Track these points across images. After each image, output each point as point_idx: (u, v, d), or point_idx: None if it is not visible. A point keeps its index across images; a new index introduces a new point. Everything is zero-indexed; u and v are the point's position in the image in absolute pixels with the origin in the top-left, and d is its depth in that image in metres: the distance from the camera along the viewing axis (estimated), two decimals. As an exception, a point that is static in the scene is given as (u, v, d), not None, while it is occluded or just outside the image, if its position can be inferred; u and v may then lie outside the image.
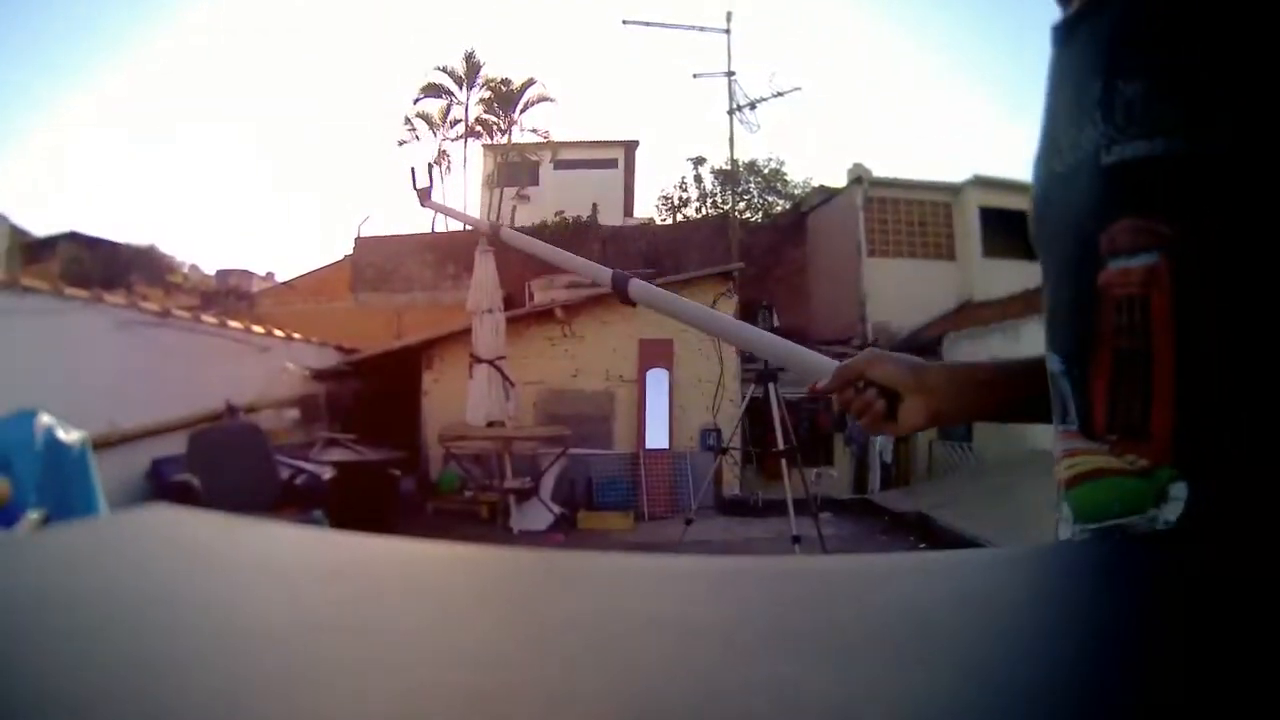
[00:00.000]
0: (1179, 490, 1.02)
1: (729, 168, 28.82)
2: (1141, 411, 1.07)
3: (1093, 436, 1.14)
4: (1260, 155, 0.97)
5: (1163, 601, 0.81)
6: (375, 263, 27.04)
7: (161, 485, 9.09)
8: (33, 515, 4.55)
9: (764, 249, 28.06)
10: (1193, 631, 0.68)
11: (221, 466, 8.56)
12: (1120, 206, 1.08)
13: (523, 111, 39.33)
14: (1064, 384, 1.20)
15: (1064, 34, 1.26)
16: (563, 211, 29.35)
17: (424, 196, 4.54)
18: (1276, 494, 0.96)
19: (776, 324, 11.55)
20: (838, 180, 28.38)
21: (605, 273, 2.94)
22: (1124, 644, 0.67)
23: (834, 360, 1.78)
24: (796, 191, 34.34)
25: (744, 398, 12.78)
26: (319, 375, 15.84)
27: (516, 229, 28.35)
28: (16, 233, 27.88)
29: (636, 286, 2.88)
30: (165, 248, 33.09)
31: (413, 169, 4.43)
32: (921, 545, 11.82)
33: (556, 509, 13.02)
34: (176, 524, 1.18)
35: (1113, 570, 0.96)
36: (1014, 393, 1.53)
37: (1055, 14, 1.24)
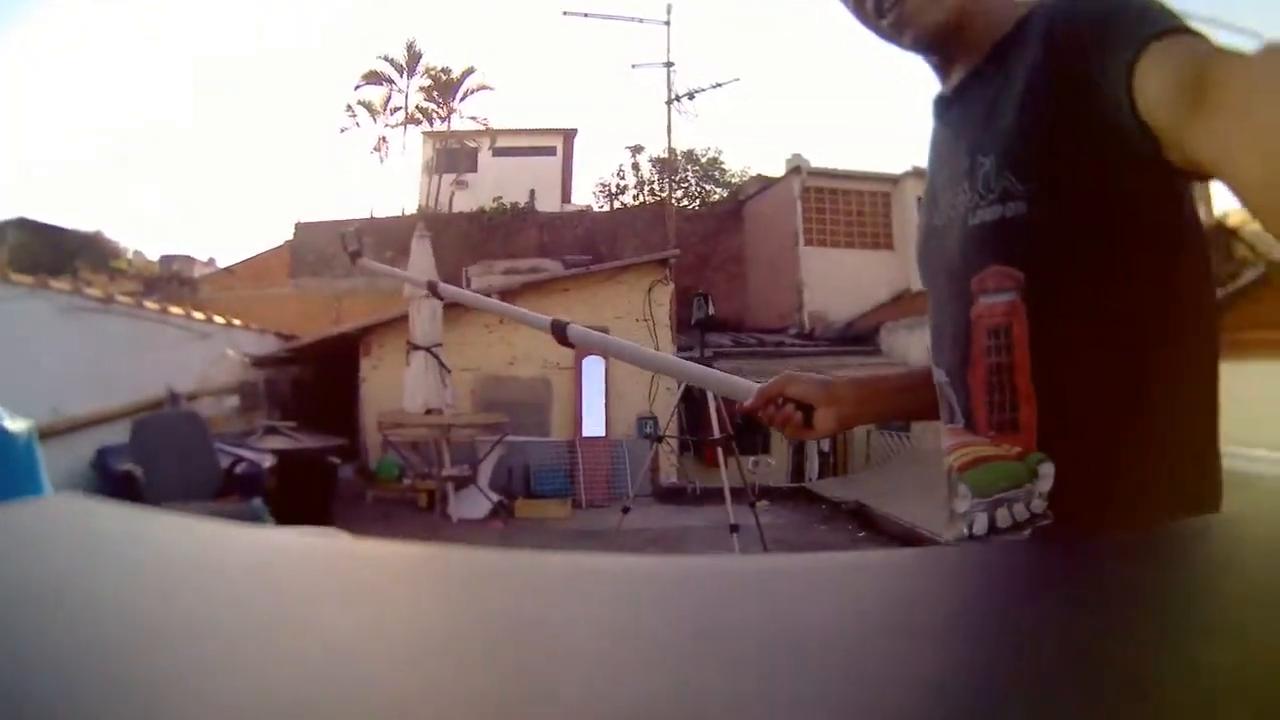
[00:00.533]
0: (1047, 469, 1.39)
1: (667, 156, 28.77)
2: (1012, 411, 1.43)
3: (976, 432, 1.50)
4: (1075, 217, 1.34)
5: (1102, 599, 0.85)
6: (314, 248, 26.79)
7: (107, 475, 9.01)
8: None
9: (701, 237, 28.09)
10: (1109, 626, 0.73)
11: (164, 455, 8.49)
12: (984, 257, 1.44)
13: (462, 99, 39.14)
14: (949, 392, 1.57)
15: (942, 108, 1.65)
16: (501, 197, 29.19)
17: (355, 258, 4.61)
18: (1119, 469, 1.38)
19: (712, 312, 11.59)
20: (776, 170, 28.45)
21: (544, 320, 3.11)
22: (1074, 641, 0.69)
23: (754, 383, 2.11)
24: (734, 180, 34.39)
25: (680, 385, 12.82)
26: (259, 362, 15.65)
27: (454, 215, 28.26)
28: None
29: (574, 331, 3.10)
30: (110, 234, 32.77)
31: (343, 234, 4.49)
32: (861, 534, 11.91)
33: (495, 497, 12.99)
34: (78, 516, 1.18)
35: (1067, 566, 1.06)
36: (908, 397, 1.98)
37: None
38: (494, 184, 31.54)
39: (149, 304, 13.48)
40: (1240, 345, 11.20)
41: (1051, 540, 1.40)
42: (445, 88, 39.13)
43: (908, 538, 10.40)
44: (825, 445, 17.34)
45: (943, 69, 1.64)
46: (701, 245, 27.50)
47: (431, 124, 38.99)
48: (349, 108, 40.31)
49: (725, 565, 1.54)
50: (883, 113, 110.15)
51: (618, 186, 36.10)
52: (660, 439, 12.34)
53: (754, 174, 32.39)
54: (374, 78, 39.81)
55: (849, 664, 0.64)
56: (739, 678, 0.61)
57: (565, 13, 25.44)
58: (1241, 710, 0.55)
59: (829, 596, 0.86)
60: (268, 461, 9.59)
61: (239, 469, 9.15)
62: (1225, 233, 15.54)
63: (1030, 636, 0.71)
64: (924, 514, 10.90)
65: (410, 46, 39.98)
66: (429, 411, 12.44)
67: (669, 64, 24.96)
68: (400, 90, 40.04)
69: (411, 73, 39.82)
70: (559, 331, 3.17)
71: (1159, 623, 0.77)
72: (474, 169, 35.20)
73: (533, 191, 30.68)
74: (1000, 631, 0.76)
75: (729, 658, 0.65)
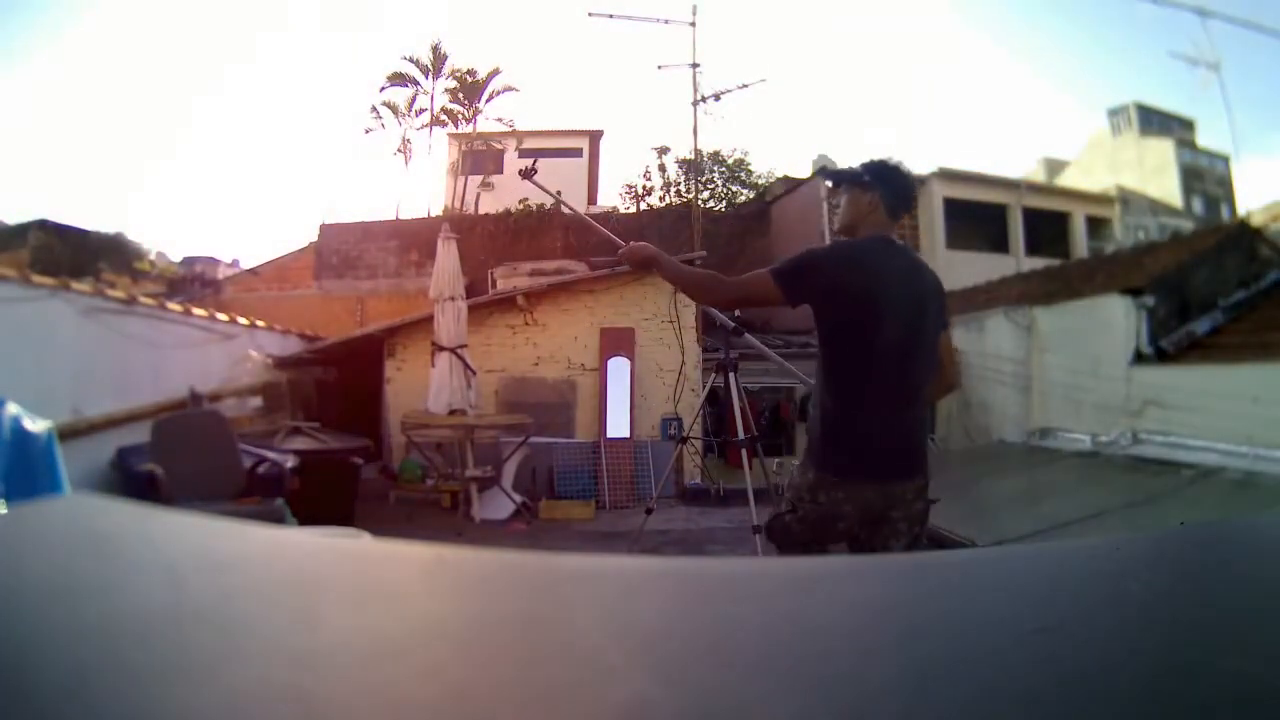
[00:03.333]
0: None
1: (693, 158, 28.79)
2: None
3: None
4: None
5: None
6: (339, 250, 26.87)
7: (127, 475, 9.04)
8: (-3, 507, 4.52)
9: (727, 238, 28.03)
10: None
11: (185, 455, 8.48)
12: None
13: (488, 101, 39.17)
14: None
15: None
16: (526, 199, 29.22)
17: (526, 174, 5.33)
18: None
19: (737, 313, 11.62)
20: (802, 171, 28.44)
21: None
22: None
23: None
24: (760, 181, 34.36)
25: (705, 387, 12.81)
26: (282, 363, 15.72)
27: (480, 216, 28.29)
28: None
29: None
30: (133, 235, 32.91)
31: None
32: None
33: (518, 498, 12.98)
34: (95, 514, 1.22)
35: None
36: None
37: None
38: (520, 185, 31.54)
39: (172, 305, 13.52)
40: (1264, 347, 11.12)
41: (1068, 543, 1.58)
42: (471, 89, 39.16)
43: (931, 539, 10.29)
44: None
45: None
46: (728, 246, 27.43)
47: (457, 126, 39.07)
48: (374, 109, 40.39)
49: (746, 567, 1.52)
50: (908, 114, 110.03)
51: (644, 188, 36.09)
52: (684, 440, 12.32)
53: (780, 175, 32.41)
54: (399, 79, 39.84)
55: (869, 664, 0.65)
56: (755, 677, 0.62)
57: (590, 14, 25.44)
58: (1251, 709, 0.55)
59: (848, 597, 0.86)
60: (290, 462, 9.58)
61: (261, 469, 9.15)
62: (1248, 234, 15.44)
63: (1047, 637, 0.71)
64: (947, 516, 10.83)
65: (435, 48, 40.03)
66: (453, 412, 12.47)
67: (695, 65, 24.96)
68: (425, 92, 40.09)
69: (437, 74, 39.85)
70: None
71: (1176, 621, 0.76)
72: (500, 170, 35.31)
73: (559, 193, 30.69)
74: (1015, 633, 0.76)
75: (743, 658, 0.67)
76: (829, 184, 4.96)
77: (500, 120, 38.10)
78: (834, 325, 4.02)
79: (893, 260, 4.15)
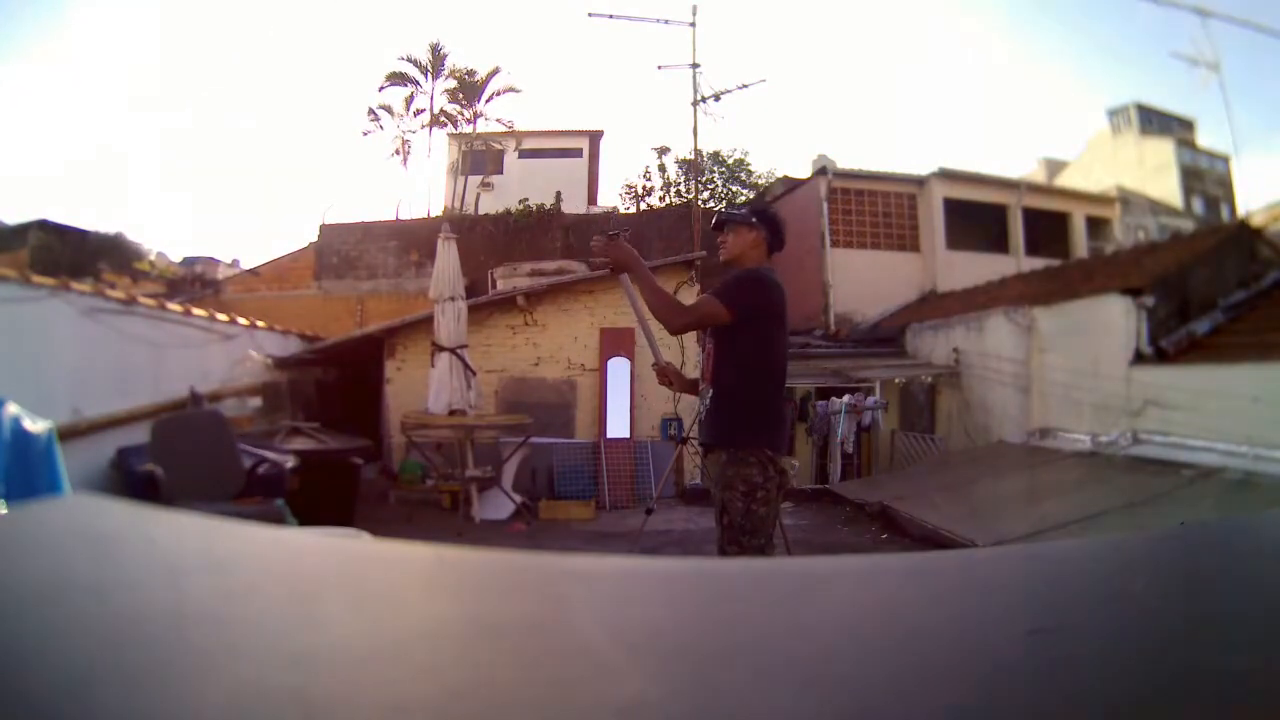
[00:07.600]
0: (708, 390, 4.96)
1: (693, 158, 28.81)
2: (710, 373, 5.04)
3: (705, 379, 5.13)
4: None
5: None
6: (339, 250, 26.84)
7: (127, 475, 9.02)
8: (-4, 507, 4.49)
9: (727, 238, 28.03)
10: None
11: (185, 455, 8.43)
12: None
13: (488, 101, 39.13)
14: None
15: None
16: (526, 199, 29.20)
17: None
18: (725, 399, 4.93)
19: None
20: (802, 171, 28.46)
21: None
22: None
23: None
24: (760, 181, 34.40)
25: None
26: (282, 363, 15.68)
27: (480, 216, 28.24)
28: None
29: None
30: (133, 235, 32.88)
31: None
32: (884, 536, 11.77)
33: (518, 498, 12.97)
34: (96, 515, 1.21)
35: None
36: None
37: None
38: (520, 186, 31.56)
39: (172, 305, 13.49)
40: (1264, 347, 11.11)
41: (1068, 543, 1.57)
42: (470, 89, 39.12)
43: (931, 540, 10.29)
44: (850, 446, 17.28)
45: None
46: (728, 247, 27.44)
47: (456, 126, 39.03)
48: (371, 112, 40.31)
49: (746, 567, 1.52)
50: (908, 114, 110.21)
51: (644, 188, 36.19)
52: (684, 440, 12.32)
53: (780, 175, 32.44)
54: (398, 79, 39.75)
55: (868, 664, 0.65)
56: (755, 677, 0.61)
57: (591, 14, 25.45)
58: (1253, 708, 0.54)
59: (848, 597, 0.86)
60: (290, 462, 9.57)
61: (261, 470, 9.12)
62: (1248, 233, 15.44)
63: (1047, 637, 0.71)
64: (948, 516, 10.82)
65: (435, 48, 39.96)
66: (453, 413, 12.44)
67: (695, 65, 24.98)
68: (424, 92, 40.02)
69: (436, 74, 39.79)
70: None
71: (1175, 621, 0.76)
72: (500, 170, 35.31)
73: (559, 193, 30.67)
74: (1015, 633, 0.75)
75: (743, 658, 0.66)
76: (715, 223, 5.31)
77: (500, 120, 38.11)
78: (763, 333, 4.89)
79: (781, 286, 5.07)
